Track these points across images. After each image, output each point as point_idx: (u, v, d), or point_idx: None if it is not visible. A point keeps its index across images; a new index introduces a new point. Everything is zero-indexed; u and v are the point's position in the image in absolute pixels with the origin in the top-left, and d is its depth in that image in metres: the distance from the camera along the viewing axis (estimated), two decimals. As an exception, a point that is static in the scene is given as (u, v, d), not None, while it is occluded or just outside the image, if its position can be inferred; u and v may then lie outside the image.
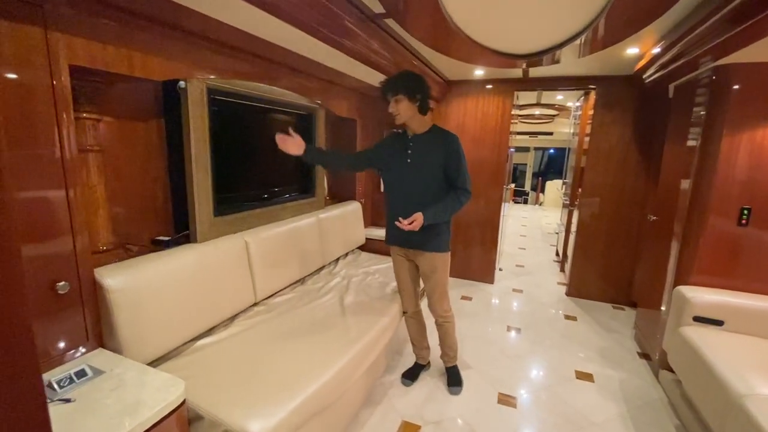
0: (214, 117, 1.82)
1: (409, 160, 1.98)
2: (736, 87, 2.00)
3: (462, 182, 1.96)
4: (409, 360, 2.51)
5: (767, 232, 2.05)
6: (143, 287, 1.46)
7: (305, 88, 2.43)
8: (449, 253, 2.12)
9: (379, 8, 1.88)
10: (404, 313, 2.34)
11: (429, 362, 2.47)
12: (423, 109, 1.97)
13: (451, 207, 1.94)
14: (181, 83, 1.64)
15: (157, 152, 1.72)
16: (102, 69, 1.32)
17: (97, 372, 1.22)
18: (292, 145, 1.93)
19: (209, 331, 1.78)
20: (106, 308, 1.35)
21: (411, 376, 2.34)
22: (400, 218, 1.83)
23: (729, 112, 2.03)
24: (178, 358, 1.58)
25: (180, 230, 1.81)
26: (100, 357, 1.31)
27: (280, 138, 1.93)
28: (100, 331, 1.37)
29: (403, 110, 1.92)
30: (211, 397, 1.34)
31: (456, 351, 2.34)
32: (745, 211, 2.06)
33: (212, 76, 1.77)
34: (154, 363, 1.51)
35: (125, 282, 1.40)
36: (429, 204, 1.93)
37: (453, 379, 2.30)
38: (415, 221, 1.84)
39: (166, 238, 1.75)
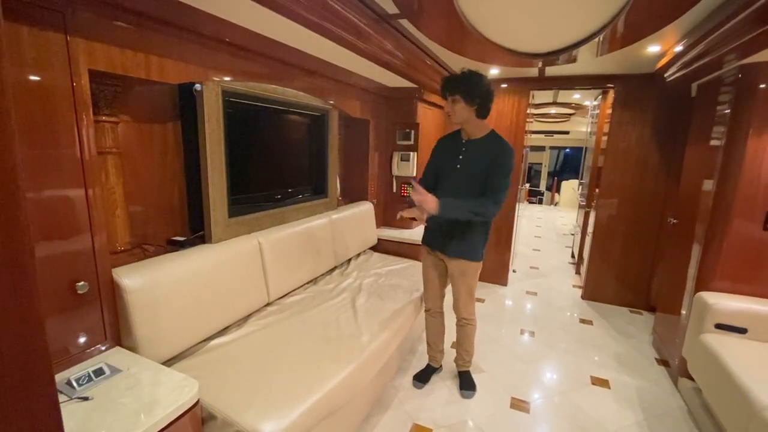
0: (229, 119, 1.84)
1: (458, 166, 1.95)
2: (762, 86, 1.93)
3: (492, 192, 1.85)
4: (421, 362, 2.50)
5: (796, 238, 1.97)
6: (159, 287, 1.48)
7: (318, 89, 2.43)
8: (480, 263, 2.07)
9: (392, 8, 1.87)
10: (427, 310, 2.33)
11: (441, 365, 2.45)
12: (481, 113, 1.90)
13: (471, 209, 1.83)
14: (197, 86, 1.66)
15: (173, 154, 1.74)
16: (120, 73, 1.35)
17: (115, 370, 1.24)
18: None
19: (223, 331, 1.80)
20: (123, 308, 1.38)
21: (422, 378, 2.33)
22: (413, 194, 1.76)
23: (755, 111, 1.95)
24: (192, 357, 1.60)
25: (195, 231, 1.84)
26: (117, 355, 1.34)
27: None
28: (117, 330, 1.40)
29: (458, 111, 1.88)
30: (224, 397, 1.35)
31: (472, 356, 2.32)
32: (772, 215, 1.99)
33: (227, 79, 1.78)
34: (169, 362, 1.53)
35: (142, 282, 1.42)
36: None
37: (466, 383, 2.28)
38: (427, 200, 1.74)
39: (182, 239, 1.78)
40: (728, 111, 2.07)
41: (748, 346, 1.84)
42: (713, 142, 2.22)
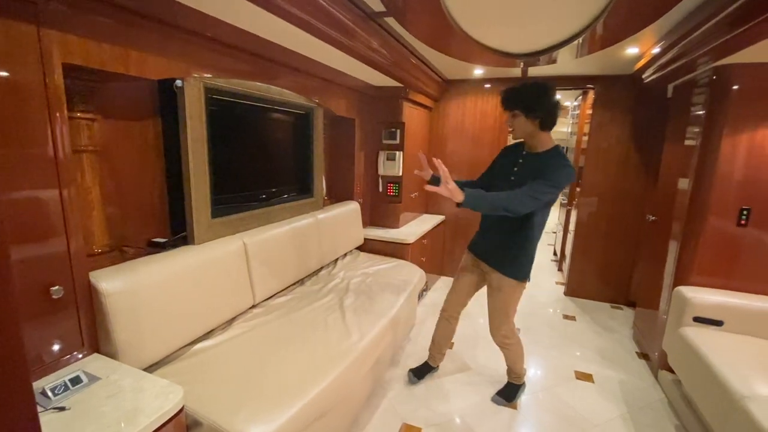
0: (212, 116, 1.79)
1: (512, 178, 1.86)
2: (735, 87, 2.00)
3: (527, 188, 1.68)
4: (409, 361, 2.51)
5: (767, 233, 2.05)
6: (140, 290, 1.43)
7: (303, 87, 2.40)
8: (524, 283, 1.95)
9: (379, 6, 1.86)
10: (443, 311, 2.30)
11: (438, 366, 2.44)
12: (546, 125, 1.78)
13: (497, 202, 1.66)
14: (178, 82, 1.61)
15: (153, 152, 1.68)
16: (97, 67, 1.29)
17: (93, 378, 1.19)
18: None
19: (207, 335, 1.75)
20: (101, 312, 1.32)
21: (418, 374, 2.34)
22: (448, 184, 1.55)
23: (729, 112, 2.03)
24: (175, 362, 1.55)
25: (177, 232, 1.78)
26: (95, 363, 1.28)
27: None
28: (95, 336, 1.34)
29: (518, 126, 1.80)
30: (210, 402, 1.31)
31: (519, 373, 2.21)
32: (745, 212, 2.07)
33: (209, 75, 1.74)
34: (151, 368, 1.48)
35: (121, 285, 1.37)
36: (512, 227, 1.85)
37: (505, 392, 2.22)
38: (451, 187, 1.54)
39: (163, 240, 1.72)
40: (703, 112, 2.14)
41: (725, 338, 1.91)
42: (689, 142, 2.30)
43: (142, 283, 1.44)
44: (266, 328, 1.87)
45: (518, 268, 1.92)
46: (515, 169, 1.89)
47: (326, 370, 1.57)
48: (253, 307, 2.07)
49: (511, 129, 1.85)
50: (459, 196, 1.56)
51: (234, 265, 1.91)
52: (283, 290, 2.31)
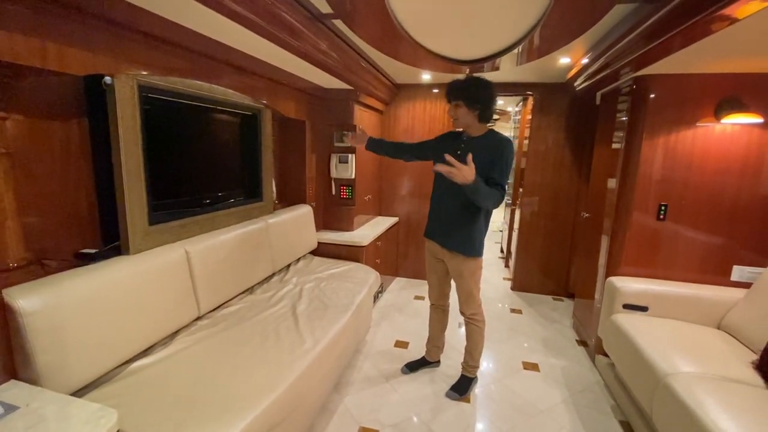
0: (148, 116, 1.67)
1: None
2: (653, 96, 2.22)
3: (499, 179, 1.90)
4: (365, 364, 2.50)
5: (681, 226, 2.30)
6: (65, 307, 1.29)
7: (249, 88, 2.32)
8: (478, 259, 2.11)
9: (326, 8, 1.85)
10: (431, 305, 2.44)
11: (439, 361, 2.53)
12: (483, 118, 1.98)
13: (489, 194, 1.84)
14: (107, 79, 1.48)
15: (79, 155, 1.53)
16: (8, 60, 1.15)
17: (10, 408, 1.05)
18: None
19: (146, 351, 1.63)
20: (19, 334, 1.18)
21: (412, 366, 2.45)
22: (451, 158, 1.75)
23: (647, 118, 2.25)
24: (109, 384, 1.42)
25: (109, 241, 1.64)
26: (12, 390, 1.13)
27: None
28: (11, 361, 1.19)
29: (461, 116, 1.97)
30: (151, 424, 1.22)
31: (476, 361, 2.30)
32: (663, 207, 2.30)
33: (144, 72, 1.62)
34: (81, 391, 1.34)
35: (43, 302, 1.23)
36: (465, 205, 1.97)
37: (458, 386, 2.28)
38: (462, 168, 1.71)
39: (93, 251, 1.57)
40: (626, 118, 2.36)
41: (649, 322, 2.11)
42: (615, 145, 2.52)
43: (67, 299, 1.31)
44: (213, 340, 1.77)
45: (472, 244, 2.06)
46: (459, 153, 2.01)
47: (278, 379, 1.52)
48: (198, 319, 1.96)
49: (454, 118, 2.02)
50: (471, 175, 1.72)
51: (175, 275, 1.79)
52: (231, 300, 2.21)
